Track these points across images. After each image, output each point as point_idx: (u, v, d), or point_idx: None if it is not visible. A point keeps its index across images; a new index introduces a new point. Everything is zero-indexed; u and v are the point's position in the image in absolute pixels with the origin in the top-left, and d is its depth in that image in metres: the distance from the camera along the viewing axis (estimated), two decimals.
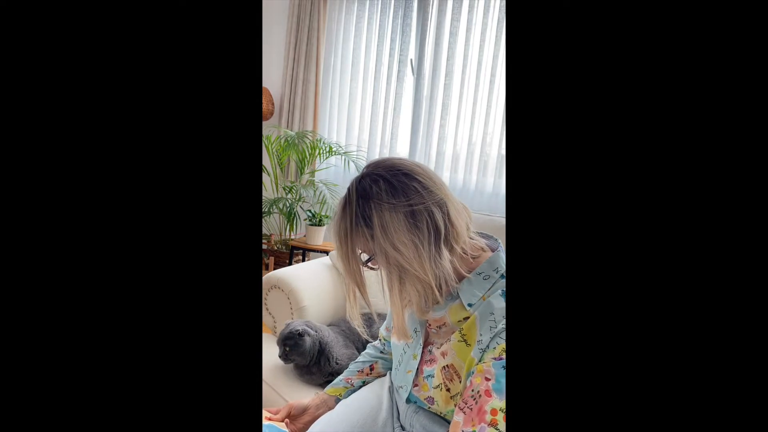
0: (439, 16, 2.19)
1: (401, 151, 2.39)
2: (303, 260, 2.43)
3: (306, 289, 1.27)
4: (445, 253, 0.60)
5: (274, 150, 2.43)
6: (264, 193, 2.47)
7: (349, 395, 0.84)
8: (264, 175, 2.49)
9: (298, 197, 2.37)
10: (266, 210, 2.36)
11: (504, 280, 0.63)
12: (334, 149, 2.39)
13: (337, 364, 1.05)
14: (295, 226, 2.48)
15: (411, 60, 2.30)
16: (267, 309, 1.32)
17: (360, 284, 0.65)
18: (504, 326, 0.58)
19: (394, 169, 0.61)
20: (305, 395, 0.99)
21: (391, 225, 0.58)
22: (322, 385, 1.03)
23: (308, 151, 2.38)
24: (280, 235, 2.57)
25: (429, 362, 0.68)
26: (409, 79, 2.33)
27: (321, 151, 2.40)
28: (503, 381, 0.55)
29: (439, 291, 0.60)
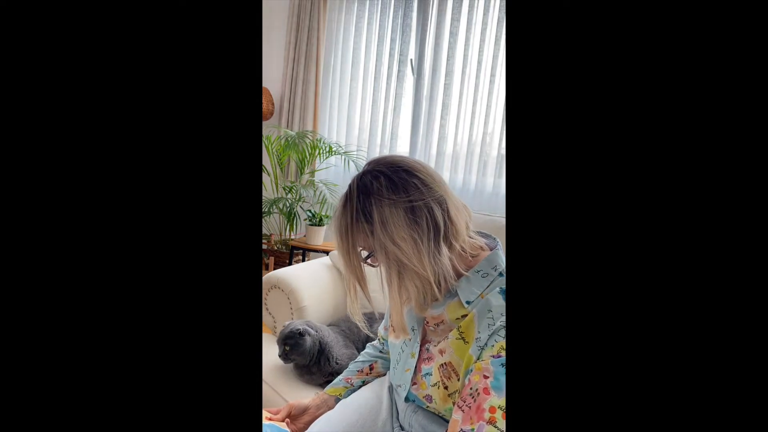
0: (439, 16, 2.19)
1: (401, 151, 2.39)
2: (303, 260, 2.43)
3: (306, 289, 1.27)
4: (444, 249, 0.60)
5: (274, 150, 2.43)
6: (264, 193, 2.47)
7: (349, 395, 0.84)
8: (264, 175, 2.49)
9: (298, 197, 2.37)
10: (266, 210, 2.36)
11: (502, 278, 0.63)
12: (334, 149, 2.39)
13: (337, 364, 1.05)
14: (295, 226, 2.48)
15: (411, 60, 2.30)
16: (267, 309, 1.32)
17: (361, 279, 0.65)
18: (502, 324, 0.58)
19: (394, 166, 0.62)
20: (305, 395, 0.99)
21: (391, 220, 0.59)
22: (322, 385, 1.03)
23: (308, 151, 2.38)
24: (280, 235, 2.57)
25: (427, 360, 0.68)
26: (409, 79, 2.33)
27: (321, 151, 2.40)
28: (502, 379, 0.55)
29: (438, 288, 0.60)
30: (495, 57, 2.01)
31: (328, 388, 0.86)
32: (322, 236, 2.30)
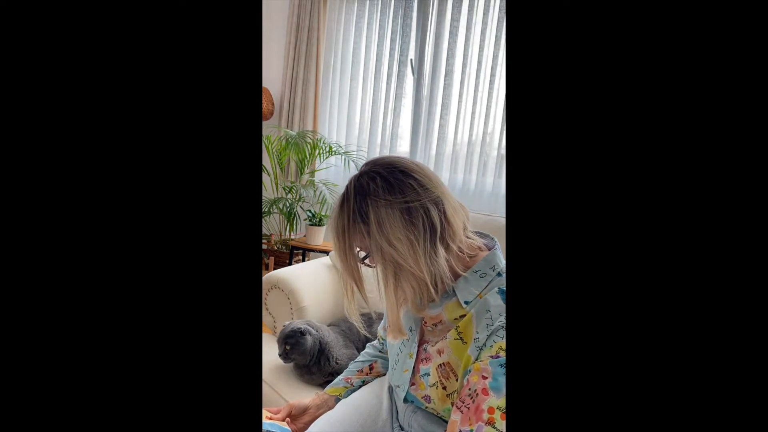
0: (439, 16, 2.19)
1: (401, 151, 2.39)
2: (303, 260, 2.43)
3: (306, 289, 1.27)
4: (441, 250, 0.60)
5: (274, 150, 2.43)
6: (264, 193, 2.47)
7: (349, 395, 0.84)
8: (264, 175, 2.49)
9: (298, 197, 2.37)
10: (266, 210, 2.36)
11: (500, 278, 0.63)
12: (334, 149, 2.39)
13: (337, 363, 1.05)
14: (295, 226, 2.48)
15: (411, 60, 2.30)
16: (267, 309, 1.32)
17: (357, 280, 0.65)
18: (500, 324, 0.58)
19: (391, 167, 0.62)
20: (305, 395, 0.99)
21: (387, 221, 0.59)
22: (322, 385, 1.03)
23: (308, 151, 2.38)
24: (280, 235, 2.57)
25: (425, 360, 0.68)
26: (409, 79, 2.33)
27: (321, 151, 2.40)
28: (500, 379, 0.55)
29: (434, 288, 0.61)
30: (495, 57, 2.01)
31: (328, 388, 0.86)
32: (322, 236, 2.30)
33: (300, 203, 2.41)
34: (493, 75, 2.02)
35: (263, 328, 1.46)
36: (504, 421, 0.54)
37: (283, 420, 0.78)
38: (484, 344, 0.58)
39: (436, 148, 2.25)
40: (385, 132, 2.42)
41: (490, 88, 2.04)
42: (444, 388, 0.65)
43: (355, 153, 2.43)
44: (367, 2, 2.41)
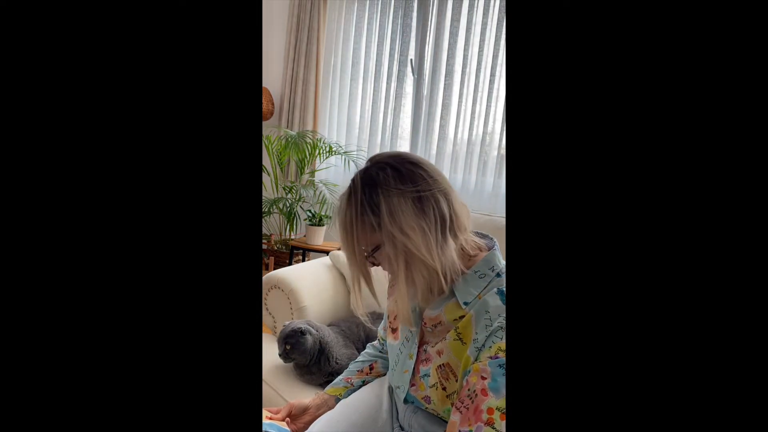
0: (439, 16, 2.19)
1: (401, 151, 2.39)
2: (303, 260, 2.43)
3: (306, 289, 1.27)
4: (451, 241, 0.61)
5: (274, 150, 2.43)
6: (264, 193, 2.47)
7: (349, 395, 0.84)
8: (264, 175, 2.49)
9: (298, 197, 2.37)
10: (266, 210, 2.36)
11: (499, 279, 0.63)
12: (334, 149, 2.39)
13: (337, 363, 1.05)
14: (295, 226, 2.48)
15: (411, 60, 2.30)
16: (267, 309, 1.32)
17: (366, 275, 0.65)
18: (499, 325, 0.58)
19: (399, 158, 0.63)
20: (305, 395, 0.99)
21: (399, 210, 0.59)
22: (322, 385, 1.03)
23: (308, 151, 2.38)
24: (280, 235, 2.57)
25: (425, 361, 0.68)
26: (409, 79, 2.34)
27: (321, 151, 2.40)
28: (499, 380, 0.55)
29: (444, 278, 0.61)
30: (495, 57, 2.01)
31: (329, 388, 0.86)
32: (322, 236, 2.30)
33: (300, 203, 2.41)
34: (493, 75, 2.02)
35: (263, 328, 1.46)
36: (503, 422, 0.54)
37: (283, 420, 0.78)
38: (483, 345, 0.58)
39: (436, 148, 2.25)
40: (385, 132, 2.42)
41: (490, 88, 2.04)
42: (444, 388, 0.65)
43: (355, 153, 2.43)
44: (367, 2, 2.41)
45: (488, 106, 2.05)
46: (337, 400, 0.84)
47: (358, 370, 0.88)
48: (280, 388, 1.06)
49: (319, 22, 2.48)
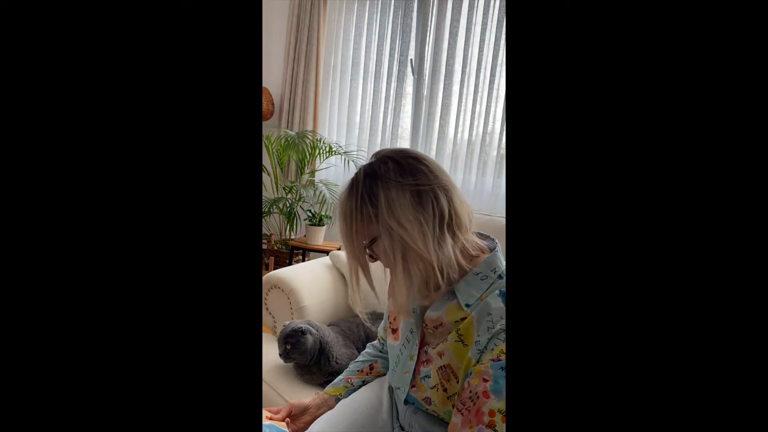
0: (439, 16, 2.19)
1: None
2: (303, 260, 2.43)
3: (306, 289, 1.27)
4: (448, 238, 0.61)
5: (274, 150, 2.43)
6: (264, 193, 2.47)
7: (349, 395, 0.84)
8: (264, 175, 2.49)
9: (298, 197, 2.37)
10: (266, 210, 2.36)
11: (501, 281, 0.63)
12: (334, 149, 2.39)
13: (337, 363, 1.05)
14: (295, 226, 2.48)
15: (411, 60, 2.30)
16: (267, 309, 1.32)
17: (364, 265, 0.65)
18: (501, 327, 0.58)
19: (402, 152, 0.63)
20: (305, 395, 0.99)
21: (397, 202, 0.59)
22: (322, 384, 1.03)
23: (308, 151, 2.38)
24: (280, 235, 2.57)
25: (425, 363, 0.68)
26: (409, 79, 2.34)
27: (321, 151, 2.40)
28: (501, 382, 0.55)
29: (440, 273, 0.60)
30: (495, 57, 2.01)
31: (329, 387, 0.86)
32: (322, 236, 2.30)
33: (300, 203, 2.41)
34: (493, 75, 2.02)
35: (263, 328, 1.46)
36: (504, 424, 0.54)
37: (283, 420, 0.78)
38: (485, 347, 0.58)
39: (436, 148, 2.25)
40: (385, 132, 2.42)
41: (490, 88, 2.04)
42: (445, 390, 0.65)
43: (355, 153, 2.43)
44: (367, 2, 2.41)
45: (488, 106, 2.05)
46: (337, 399, 0.84)
47: (358, 370, 0.88)
48: (280, 388, 1.06)
49: (319, 22, 2.48)
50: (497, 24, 2.00)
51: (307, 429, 0.76)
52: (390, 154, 0.63)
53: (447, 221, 0.61)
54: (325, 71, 2.58)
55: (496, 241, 0.69)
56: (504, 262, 0.65)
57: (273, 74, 2.73)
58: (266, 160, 2.53)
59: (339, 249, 2.21)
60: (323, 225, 2.29)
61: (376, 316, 1.23)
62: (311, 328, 1.06)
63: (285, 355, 1.04)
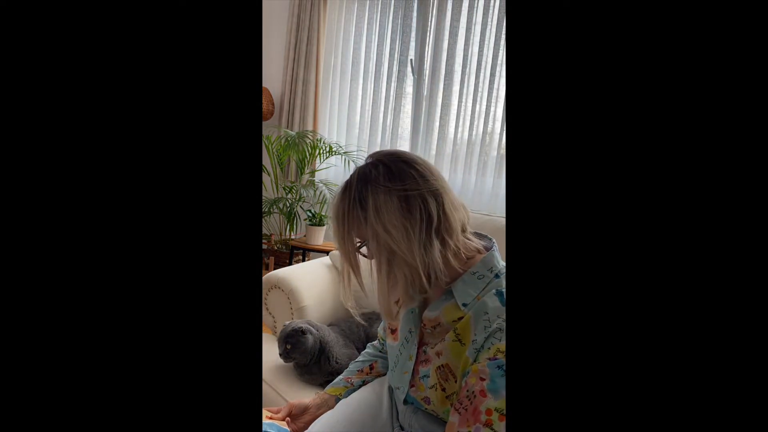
0: (439, 16, 2.19)
1: None
2: (303, 260, 2.43)
3: (306, 289, 1.27)
4: (436, 243, 0.60)
5: (274, 150, 2.43)
6: (264, 193, 2.47)
7: (349, 394, 0.84)
8: (264, 175, 2.49)
9: (298, 197, 2.37)
10: (266, 210, 2.36)
11: (498, 280, 0.63)
12: (334, 149, 2.39)
13: (337, 363, 1.05)
14: (295, 226, 2.48)
15: (411, 60, 2.30)
16: (267, 309, 1.32)
17: (354, 266, 0.66)
18: (498, 326, 0.58)
19: (394, 156, 0.63)
20: (305, 395, 0.99)
21: (384, 207, 0.59)
22: (322, 384, 1.03)
23: (308, 151, 2.38)
24: (280, 235, 2.57)
25: (424, 362, 0.68)
26: (409, 79, 2.34)
27: (321, 151, 2.40)
28: (498, 381, 0.55)
29: (426, 279, 0.61)
30: (495, 57, 2.01)
31: (329, 387, 0.86)
32: (322, 236, 2.30)
33: (300, 203, 2.41)
34: (493, 75, 2.02)
35: (263, 328, 1.46)
36: (502, 423, 0.54)
37: (283, 420, 0.78)
38: (482, 346, 0.58)
39: (436, 148, 2.25)
40: (385, 132, 2.42)
41: (490, 88, 2.04)
42: (443, 389, 0.65)
43: (355, 153, 2.43)
44: (367, 2, 2.41)
45: (488, 106, 2.05)
46: (337, 399, 0.84)
47: (358, 370, 0.88)
48: (280, 388, 1.06)
49: (319, 22, 2.48)
50: (497, 24, 2.00)
51: (306, 429, 0.76)
52: (382, 157, 0.63)
53: (435, 226, 0.60)
54: (325, 71, 2.58)
55: (493, 240, 0.69)
56: (501, 262, 0.65)
57: (273, 74, 2.73)
58: (266, 160, 2.53)
59: None
60: (323, 225, 2.29)
61: (375, 317, 1.23)
62: (311, 328, 1.06)
63: (285, 354, 1.04)
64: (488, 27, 2.03)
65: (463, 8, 2.10)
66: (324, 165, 2.56)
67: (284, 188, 2.46)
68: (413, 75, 2.32)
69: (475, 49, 2.08)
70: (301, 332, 1.03)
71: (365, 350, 0.93)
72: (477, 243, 0.67)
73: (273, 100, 2.68)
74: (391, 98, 2.37)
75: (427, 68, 2.26)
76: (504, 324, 0.57)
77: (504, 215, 1.34)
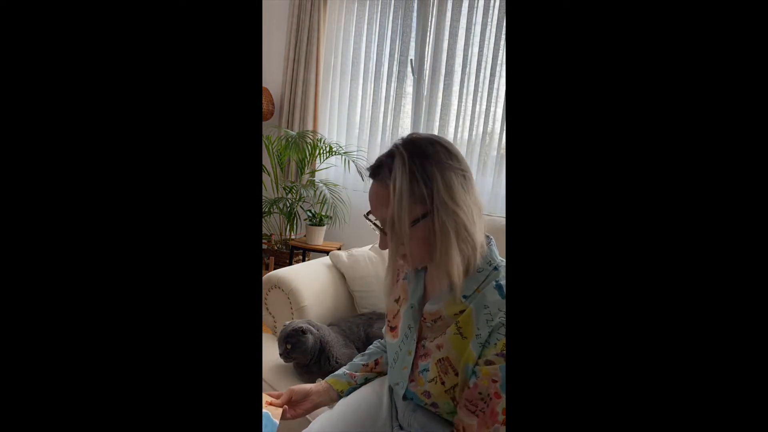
0: (439, 16, 2.19)
1: None
2: (303, 260, 2.43)
3: (306, 289, 1.27)
4: (481, 225, 0.63)
5: (274, 150, 2.43)
6: (264, 193, 2.47)
7: (351, 392, 0.84)
8: (264, 175, 2.49)
9: (298, 197, 2.37)
10: (266, 210, 2.36)
11: (496, 272, 0.64)
12: (334, 149, 2.39)
13: (337, 363, 1.06)
14: (295, 226, 2.48)
15: (411, 60, 2.30)
16: (267, 309, 1.32)
17: (407, 251, 0.63)
18: (500, 321, 0.59)
19: (442, 138, 0.65)
20: None
21: (452, 184, 0.61)
22: None
23: (308, 151, 2.38)
24: (280, 235, 2.57)
25: (423, 356, 0.69)
26: (409, 79, 2.34)
27: (321, 151, 2.40)
28: None
29: (476, 259, 0.63)
30: (495, 57, 2.01)
31: (330, 377, 0.84)
32: (322, 236, 2.30)
33: (300, 203, 2.41)
34: (493, 75, 2.02)
35: (263, 328, 1.46)
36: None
37: (282, 406, 0.77)
38: (487, 341, 0.60)
39: None
40: (385, 132, 2.42)
41: (490, 88, 2.04)
42: (443, 383, 0.66)
43: (355, 153, 2.43)
44: (367, 2, 2.41)
45: (488, 106, 2.05)
46: (339, 396, 0.83)
47: (363, 364, 0.87)
48: (280, 387, 1.06)
49: (319, 22, 2.48)
50: (497, 24, 2.00)
51: (306, 415, 0.76)
52: (431, 137, 0.64)
53: (479, 209, 0.63)
54: (325, 71, 2.58)
55: (491, 236, 0.70)
56: (498, 256, 0.67)
57: (273, 74, 2.73)
58: (266, 160, 2.53)
59: (339, 249, 2.21)
60: (323, 225, 2.29)
61: (376, 317, 1.23)
62: (311, 328, 1.06)
63: (286, 354, 1.04)
64: (488, 27, 2.03)
65: (463, 8, 2.10)
66: (324, 165, 2.56)
67: (284, 188, 2.46)
68: (413, 75, 2.32)
69: (475, 49, 2.08)
70: (302, 332, 1.03)
71: (372, 345, 0.92)
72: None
73: (273, 100, 2.68)
74: (391, 98, 2.37)
75: (427, 68, 2.26)
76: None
77: (504, 215, 1.35)
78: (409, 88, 2.35)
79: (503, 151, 2.03)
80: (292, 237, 2.49)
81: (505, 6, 1.96)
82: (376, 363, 0.88)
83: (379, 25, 2.39)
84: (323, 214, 2.30)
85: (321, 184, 2.35)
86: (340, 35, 2.53)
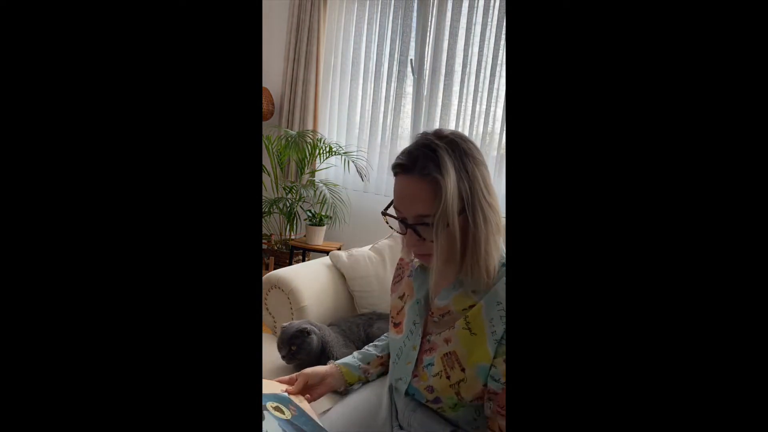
0: (439, 16, 2.19)
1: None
2: (303, 260, 2.43)
3: (306, 289, 1.26)
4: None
5: (274, 150, 2.43)
6: (264, 193, 2.47)
7: (359, 387, 0.84)
8: (264, 175, 2.49)
9: (298, 197, 2.37)
10: (266, 210, 2.36)
11: (504, 268, 0.65)
12: (334, 149, 2.39)
13: None
14: (295, 226, 2.48)
15: (411, 60, 2.31)
16: (267, 309, 1.32)
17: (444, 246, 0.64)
18: None
19: (464, 134, 0.66)
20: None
21: (489, 180, 0.63)
22: None
23: (308, 151, 2.38)
24: (280, 235, 2.57)
25: (428, 351, 0.69)
26: (409, 79, 2.34)
27: (321, 151, 2.40)
28: None
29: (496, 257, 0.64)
30: (495, 57, 2.01)
31: (342, 365, 0.82)
32: (322, 236, 2.30)
33: (300, 203, 2.41)
34: (493, 75, 2.03)
35: (263, 328, 1.46)
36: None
37: (297, 393, 0.75)
38: (503, 337, 0.61)
39: None
40: (385, 132, 2.42)
41: (490, 88, 2.04)
42: (448, 377, 0.66)
43: (355, 153, 2.43)
44: (367, 2, 2.41)
45: (488, 106, 2.05)
46: (347, 388, 0.82)
47: (377, 355, 0.85)
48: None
49: (319, 22, 2.48)
50: (497, 24, 2.00)
51: (321, 397, 0.77)
52: (458, 133, 0.65)
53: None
54: (325, 71, 2.58)
55: None
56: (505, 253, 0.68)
57: (273, 74, 2.73)
58: (266, 160, 2.53)
59: (339, 249, 2.21)
60: (323, 225, 2.29)
61: (377, 317, 1.23)
62: (314, 328, 1.06)
63: (290, 356, 1.03)
64: (488, 27, 2.03)
65: (463, 8, 2.10)
66: (324, 165, 2.56)
67: (284, 188, 2.46)
68: (413, 75, 2.32)
69: (475, 49, 2.08)
70: (306, 333, 1.03)
71: (381, 338, 0.91)
72: None
73: (273, 100, 2.68)
74: (391, 98, 2.38)
75: (427, 68, 2.26)
76: None
77: (504, 215, 1.34)
78: (409, 88, 2.35)
79: (503, 151, 2.03)
80: (292, 237, 2.49)
81: (505, 6, 1.96)
82: (389, 356, 0.87)
83: (379, 25, 2.39)
84: (323, 214, 2.30)
85: (321, 184, 2.35)
86: (340, 35, 2.53)
